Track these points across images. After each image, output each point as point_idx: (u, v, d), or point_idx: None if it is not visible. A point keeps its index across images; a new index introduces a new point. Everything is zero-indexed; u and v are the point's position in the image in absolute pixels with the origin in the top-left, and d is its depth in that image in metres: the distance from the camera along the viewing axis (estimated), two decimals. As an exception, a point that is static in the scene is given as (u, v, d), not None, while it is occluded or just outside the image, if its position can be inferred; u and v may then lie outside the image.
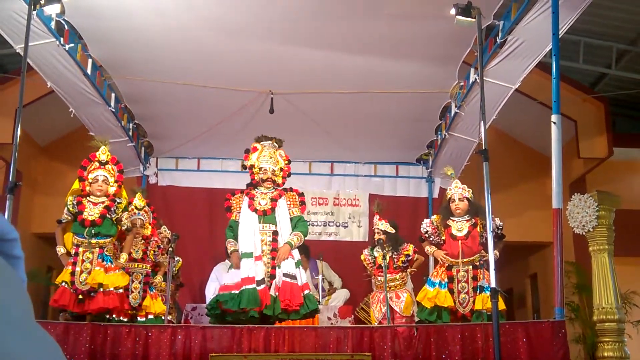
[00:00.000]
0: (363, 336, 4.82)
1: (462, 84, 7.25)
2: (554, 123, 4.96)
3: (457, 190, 5.78)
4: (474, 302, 5.40)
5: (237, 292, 5.19)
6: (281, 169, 5.71)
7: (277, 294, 5.25)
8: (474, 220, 5.65)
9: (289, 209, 5.63)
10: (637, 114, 10.08)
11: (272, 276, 5.33)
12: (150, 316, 5.85)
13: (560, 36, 5.30)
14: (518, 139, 9.71)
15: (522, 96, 7.94)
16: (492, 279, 4.59)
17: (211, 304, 5.40)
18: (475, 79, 6.62)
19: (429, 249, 5.91)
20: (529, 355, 4.60)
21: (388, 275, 6.36)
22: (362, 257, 6.79)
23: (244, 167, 5.89)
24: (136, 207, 6.10)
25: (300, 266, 5.51)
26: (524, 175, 9.47)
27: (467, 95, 7.13)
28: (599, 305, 4.69)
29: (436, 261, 5.89)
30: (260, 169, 5.64)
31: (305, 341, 4.81)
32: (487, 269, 5.17)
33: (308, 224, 6.23)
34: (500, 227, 5.79)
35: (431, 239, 5.87)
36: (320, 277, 7.76)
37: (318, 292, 7.53)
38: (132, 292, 5.77)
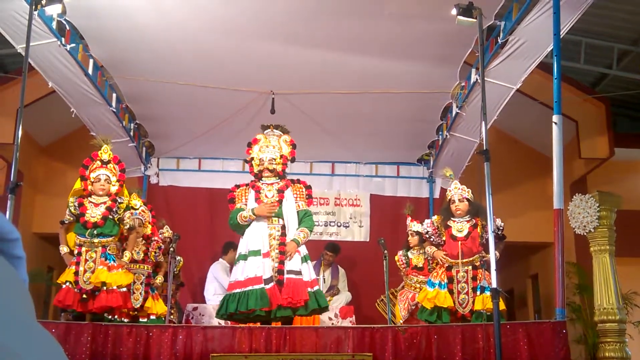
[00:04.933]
0: (364, 336, 4.81)
1: (463, 84, 7.25)
2: (555, 123, 4.95)
3: (457, 191, 5.77)
4: (473, 302, 5.40)
5: (241, 291, 5.05)
6: (282, 156, 5.49)
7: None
8: (474, 221, 5.65)
9: (295, 202, 5.41)
10: (638, 114, 10.06)
11: (280, 271, 5.16)
12: (152, 317, 5.86)
13: (561, 36, 5.29)
14: (519, 139, 9.70)
15: (523, 96, 7.92)
16: (493, 280, 4.59)
17: (222, 310, 5.21)
18: (477, 79, 6.62)
19: (429, 249, 5.91)
20: (529, 355, 4.59)
21: (421, 277, 6.50)
22: (396, 257, 6.96)
23: (246, 161, 5.68)
24: (133, 208, 6.11)
25: (307, 261, 5.30)
26: (525, 176, 9.46)
27: (468, 96, 7.13)
28: (600, 306, 4.70)
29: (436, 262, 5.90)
30: (259, 160, 5.47)
31: (306, 341, 4.80)
32: (488, 270, 5.17)
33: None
34: (501, 228, 5.79)
35: (432, 239, 5.88)
36: (321, 276, 7.76)
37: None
38: (134, 293, 5.77)
